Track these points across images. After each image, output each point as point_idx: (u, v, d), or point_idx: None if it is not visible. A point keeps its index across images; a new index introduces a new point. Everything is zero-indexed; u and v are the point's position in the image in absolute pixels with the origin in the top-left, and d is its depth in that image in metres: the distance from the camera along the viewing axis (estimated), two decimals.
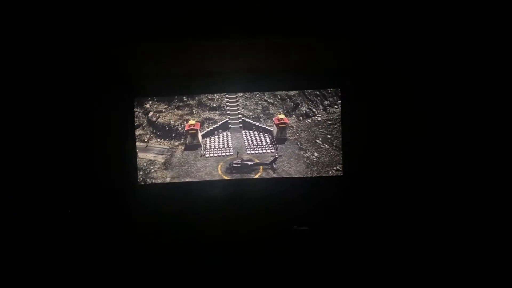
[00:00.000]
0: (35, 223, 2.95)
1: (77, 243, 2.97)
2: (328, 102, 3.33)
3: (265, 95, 3.34)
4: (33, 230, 2.91)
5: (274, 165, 3.36)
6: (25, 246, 2.83)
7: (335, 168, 3.37)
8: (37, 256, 2.83)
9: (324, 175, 3.38)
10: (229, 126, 3.33)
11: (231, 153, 3.35)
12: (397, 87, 3.31)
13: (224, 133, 3.34)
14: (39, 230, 2.93)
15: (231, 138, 3.34)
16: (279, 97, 3.34)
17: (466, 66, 3.17)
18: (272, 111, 3.34)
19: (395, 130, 3.34)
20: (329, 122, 3.34)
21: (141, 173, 3.32)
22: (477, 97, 3.14)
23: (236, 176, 3.36)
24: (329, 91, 3.33)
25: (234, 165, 3.35)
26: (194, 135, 3.31)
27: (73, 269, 2.85)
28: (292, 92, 3.34)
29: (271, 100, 3.34)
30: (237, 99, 3.31)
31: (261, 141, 3.36)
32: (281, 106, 3.35)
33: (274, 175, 3.36)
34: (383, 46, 3.10)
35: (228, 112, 3.32)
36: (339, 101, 3.32)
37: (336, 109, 3.33)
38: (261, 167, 3.37)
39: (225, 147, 3.34)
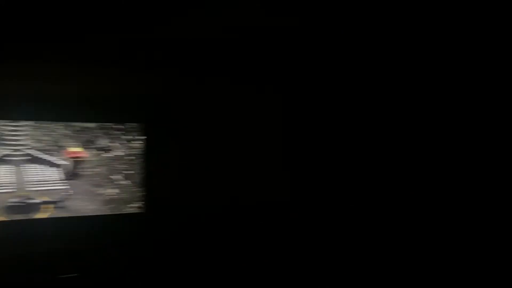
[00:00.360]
0: None
1: None
2: (129, 136, 3.21)
3: (57, 125, 3.03)
4: None
5: (65, 203, 3.05)
6: None
7: (135, 205, 3.23)
8: None
9: (123, 212, 3.21)
10: (10, 158, 2.91)
11: (11, 190, 2.92)
12: (202, 123, 3.40)
13: (3, 166, 2.90)
14: None
15: (12, 172, 2.92)
16: (75, 128, 3.08)
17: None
18: (66, 143, 3.06)
19: (200, 165, 3.41)
20: (130, 157, 3.21)
21: None
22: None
23: (17, 217, 2.93)
24: (131, 125, 3.21)
25: (13, 203, 2.92)
26: None
27: None
28: (90, 124, 3.11)
29: (65, 131, 3.05)
30: (22, 128, 2.93)
31: (50, 176, 3.02)
32: (77, 138, 3.08)
33: (66, 214, 3.05)
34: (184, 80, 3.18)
35: (8, 142, 2.90)
36: (141, 136, 3.22)
37: (138, 144, 3.22)
38: (50, 205, 3.02)
39: (4, 182, 2.90)
